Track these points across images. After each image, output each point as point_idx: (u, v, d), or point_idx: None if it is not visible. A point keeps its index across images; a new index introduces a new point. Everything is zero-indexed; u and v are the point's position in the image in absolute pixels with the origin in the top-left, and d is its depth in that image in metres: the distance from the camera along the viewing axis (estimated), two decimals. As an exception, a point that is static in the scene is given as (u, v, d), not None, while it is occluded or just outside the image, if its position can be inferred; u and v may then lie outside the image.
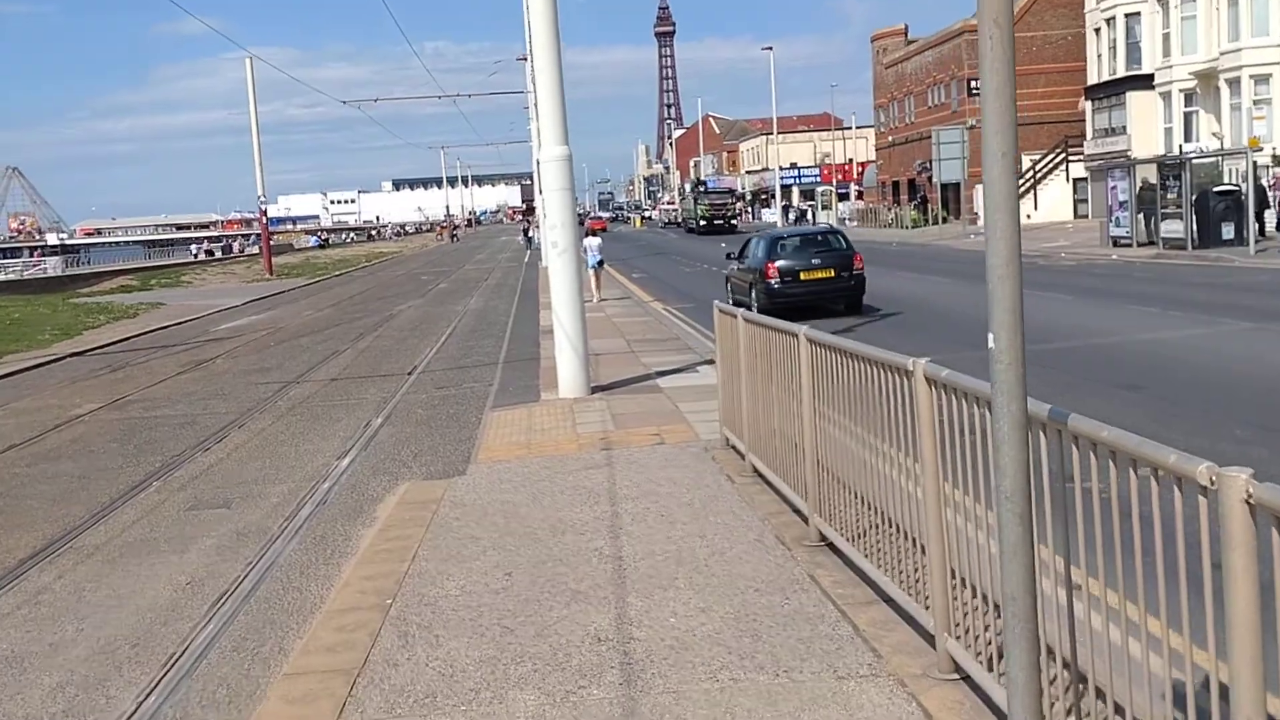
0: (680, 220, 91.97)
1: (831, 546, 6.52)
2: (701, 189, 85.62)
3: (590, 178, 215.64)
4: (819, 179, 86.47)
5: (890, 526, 5.55)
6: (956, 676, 4.58)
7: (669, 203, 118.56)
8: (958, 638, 4.55)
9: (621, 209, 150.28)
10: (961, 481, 4.42)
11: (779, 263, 21.38)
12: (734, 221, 78.83)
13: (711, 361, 15.26)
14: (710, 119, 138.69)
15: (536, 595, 6.12)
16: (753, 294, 21.33)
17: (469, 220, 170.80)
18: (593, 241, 32.47)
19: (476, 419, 12.59)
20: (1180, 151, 44.75)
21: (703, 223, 76.85)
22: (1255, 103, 43.12)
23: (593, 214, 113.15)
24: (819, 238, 23.13)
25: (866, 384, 5.42)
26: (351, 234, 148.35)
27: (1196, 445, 9.49)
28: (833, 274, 21.26)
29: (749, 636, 5.26)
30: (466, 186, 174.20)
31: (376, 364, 18.98)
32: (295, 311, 33.87)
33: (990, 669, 4.28)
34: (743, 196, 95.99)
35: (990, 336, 3.08)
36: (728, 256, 25.10)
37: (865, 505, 5.99)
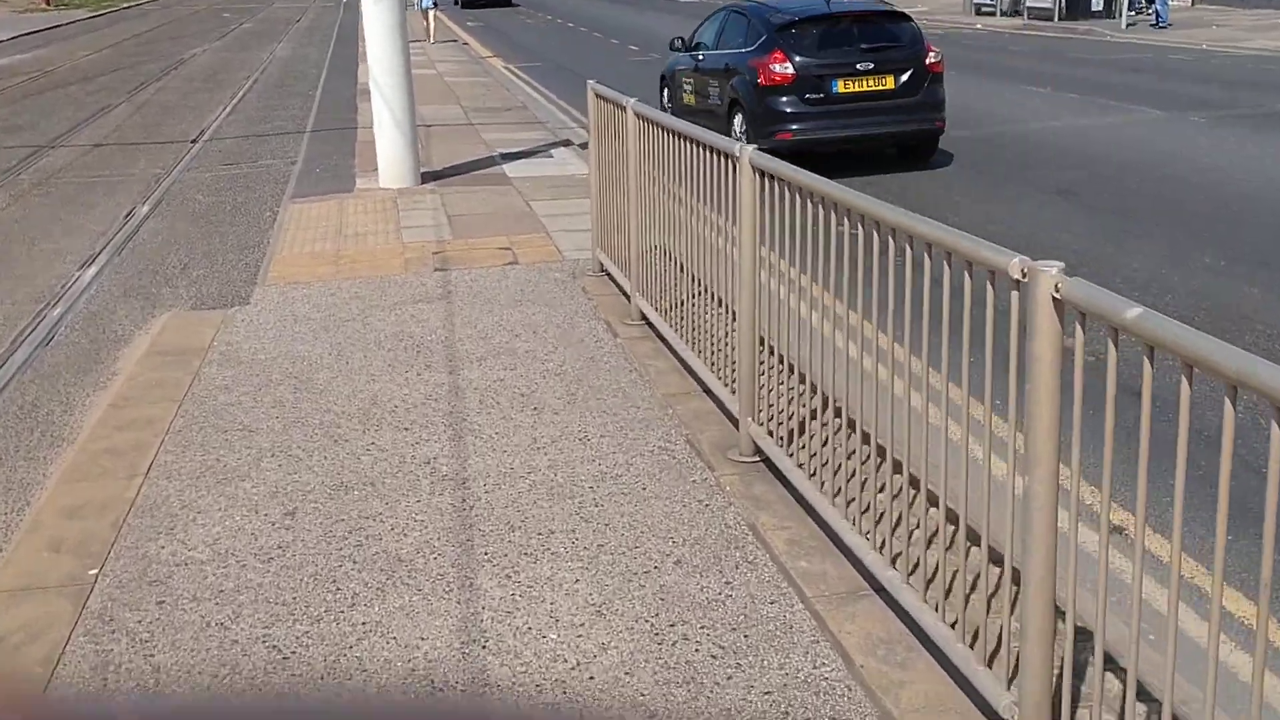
0: None
1: (768, 462, 4.50)
2: None
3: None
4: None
5: (884, 461, 3.55)
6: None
7: None
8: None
9: None
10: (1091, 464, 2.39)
11: (797, 59, 11.13)
12: None
13: (568, 143, 12.79)
14: None
15: (332, 565, 3.91)
16: (733, 117, 11.52)
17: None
18: None
19: (272, 214, 9.90)
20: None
21: None
22: None
23: None
24: (864, 17, 11.87)
25: (874, 257, 3.25)
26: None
27: (1167, 278, 7.81)
28: (894, 84, 11.14)
29: (684, 682, 3.21)
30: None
31: (154, 126, 15.65)
32: (68, 51, 29.05)
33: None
34: None
35: None
36: (672, 46, 13.59)
37: (833, 412, 3.97)
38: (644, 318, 6.33)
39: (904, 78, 11.05)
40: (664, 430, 4.96)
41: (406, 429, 5.06)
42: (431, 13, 29.40)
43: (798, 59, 10.98)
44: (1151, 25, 26.71)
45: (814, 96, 10.96)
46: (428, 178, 10.76)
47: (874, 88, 11.03)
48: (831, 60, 11.10)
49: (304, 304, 7.09)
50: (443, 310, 6.85)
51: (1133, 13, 27.87)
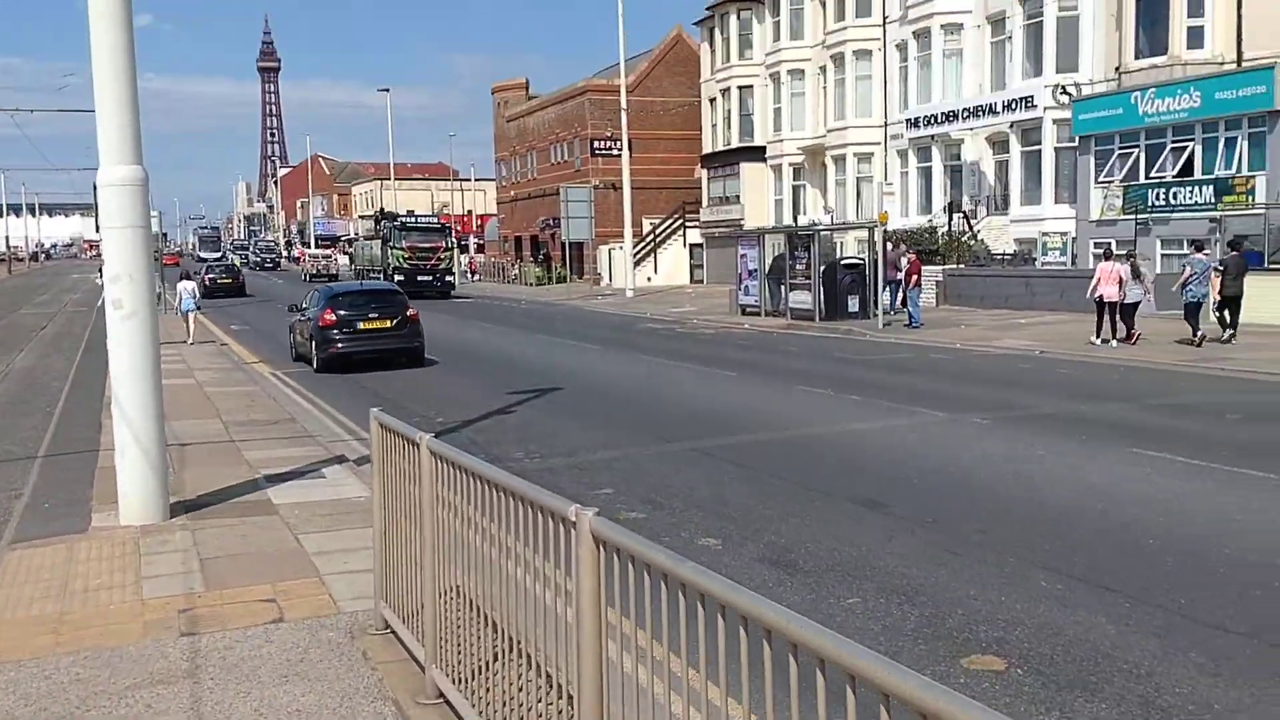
0: (356, 271, 64.28)
1: None
2: (397, 225, 54.22)
3: (183, 213, 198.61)
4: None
5: None
6: None
7: (319, 249, 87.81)
8: None
9: (248, 252, 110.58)
10: None
11: (339, 312, 21.65)
12: (449, 278, 54.31)
13: (343, 459, 11.70)
14: (320, 159, 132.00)
15: None
16: (312, 346, 21.83)
17: (35, 253, 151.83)
18: (186, 285, 29.14)
19: (-20, 562, 8.26)
20: (796, 222, 45.95)
21: (399, 278, 47.89)
22: (859, 180, 44.98)
23: (168, 250, 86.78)
24: (377, 291, 24.18)
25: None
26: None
27: (1009, 608, 7.16)
28: (390, 324, 21.93)
29: None
30: (34, 216, 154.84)
31: None
32: None
33: None
34: (458, 240, 66.93)
35: None
36: (290, 309, 25.28)
37: None
38: (442, 695, 5.20)
39: (396, 320, 21.81)
40: None
41: None
42: (192, 314, 28.27)
43: (340, 311, 21.54)
44: (906, 325, 28.32)
45: (348, 330, 21.38)
46: (179, 509, 9.39)
47: (379, 326, 21.71)
48: (356, 312, 21.71)
49: (6, 696, 5.58)
50: (187, 695, 5.49)
51: (889, 314, 29.63)
